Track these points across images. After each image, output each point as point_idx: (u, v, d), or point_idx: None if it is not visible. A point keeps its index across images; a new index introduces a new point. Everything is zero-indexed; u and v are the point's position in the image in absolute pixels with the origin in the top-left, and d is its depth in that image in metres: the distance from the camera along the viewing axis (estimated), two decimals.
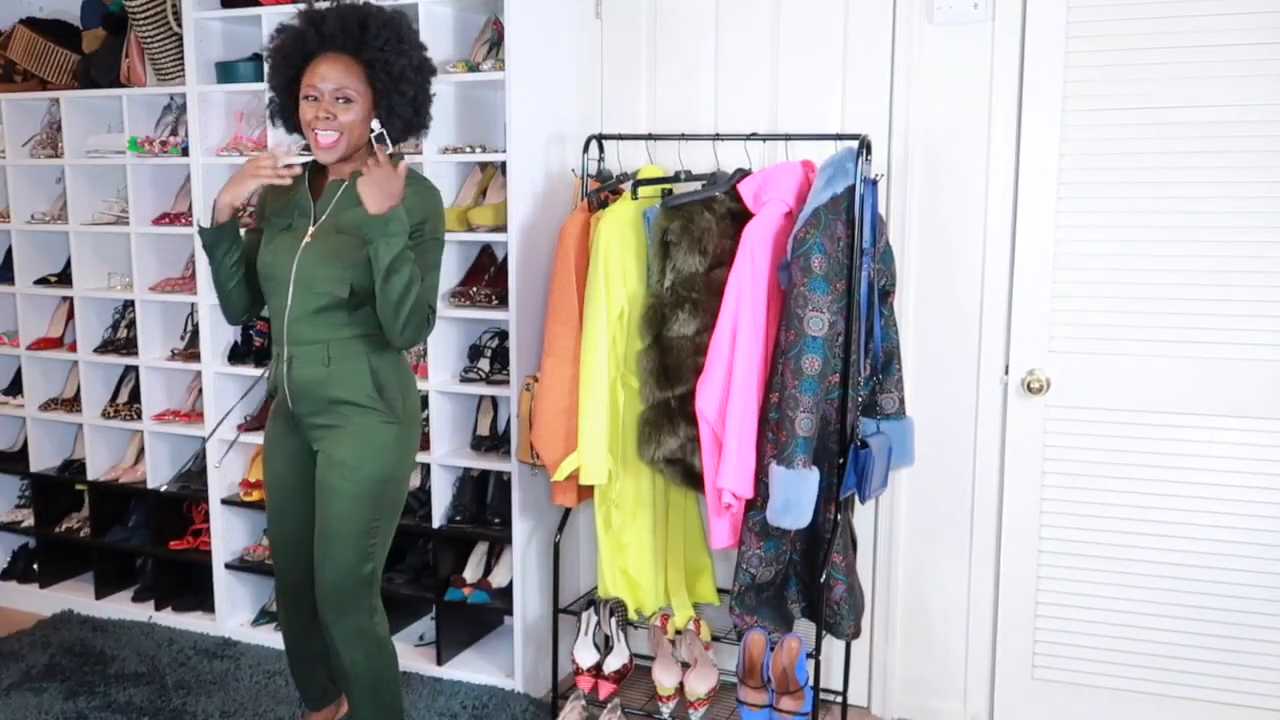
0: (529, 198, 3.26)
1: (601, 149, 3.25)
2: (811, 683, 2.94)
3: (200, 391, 3.87)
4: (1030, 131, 2.96)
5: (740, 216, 2.94)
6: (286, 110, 2.65)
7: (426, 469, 3.56)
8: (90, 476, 4.03)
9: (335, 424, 2.64)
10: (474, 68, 3.30)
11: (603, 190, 3.13)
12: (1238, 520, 2.90)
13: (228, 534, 3.82)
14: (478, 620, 3.70)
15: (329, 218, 2.61)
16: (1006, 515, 3.10)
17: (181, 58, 3.62)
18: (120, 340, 4.01)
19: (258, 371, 3.66)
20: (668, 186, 3.10)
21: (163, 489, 3.90)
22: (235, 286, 2.72)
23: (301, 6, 2.64)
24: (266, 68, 2.66)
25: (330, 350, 2.60)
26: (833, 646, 3.23)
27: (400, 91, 2.56)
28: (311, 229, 2.61)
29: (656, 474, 3.10)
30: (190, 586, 3.97)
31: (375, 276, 2.47)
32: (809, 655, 2.95)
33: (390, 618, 2.77)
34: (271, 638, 3.75)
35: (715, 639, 3.18)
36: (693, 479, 3.01)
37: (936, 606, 3.24)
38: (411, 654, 3.61)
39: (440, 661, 3.54)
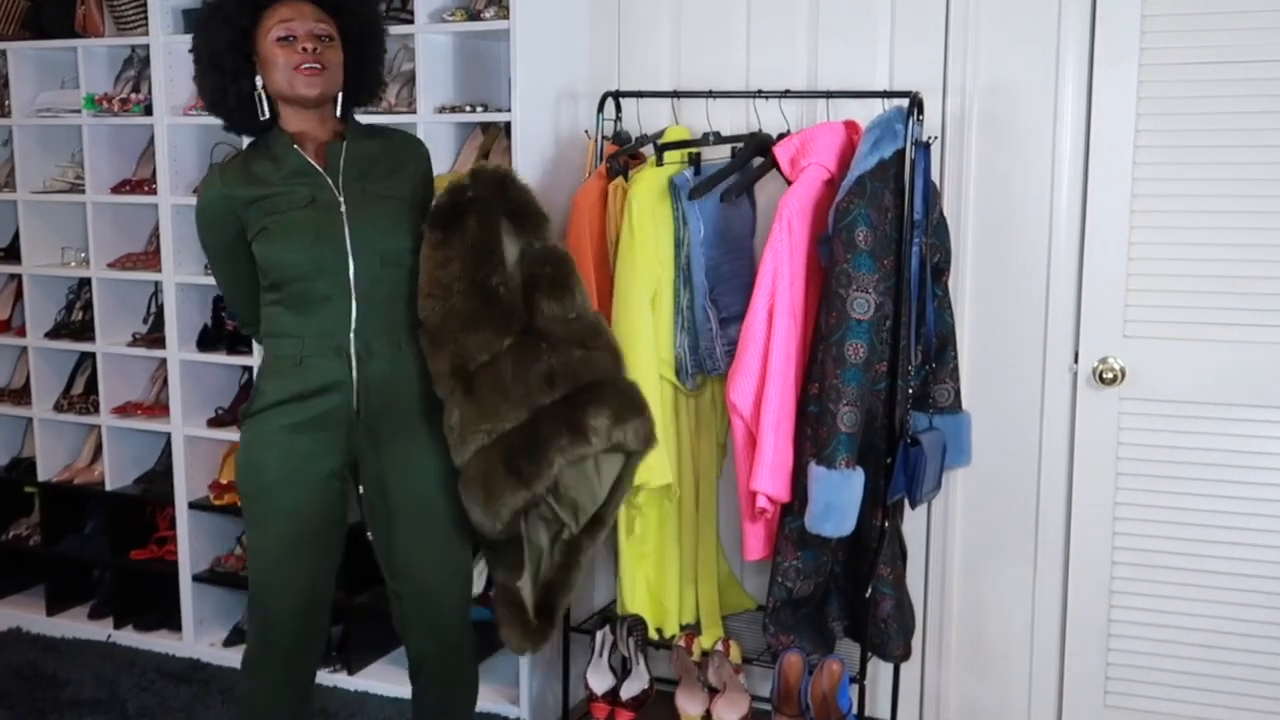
0: (537, 163, 3.28)
1: (619, 107, 3.26)
2: (855, 711, 2.97)
3: (165, 382, 3.86)
4: (1103, 87, 2.97)
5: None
6: (233, 73, 2.46)
7: None
8: (41, 477, 4.07)
9: (405, 429, 2.53)
10: (475, 15, 3.31)
11: (621, 154, 3.13)
12: None
13: (196, 542, 3.83)
14: (481, 639, 3.52)
15: (355, 182, 2.49)
16: (1075, 522, 3.12)
17: (144, 4, 3.63)
18: (75, 323, 4.02)
19: (231, 359, 3.70)
20: (695, 150, 3.10)
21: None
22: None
23: None
24: (202, 30, 2.49)
25: (400, 336, 2.51)
26: (879, 670, 3.25)
27: (373, 37, 2.56)
28: (341, 198, 2.47)
29: (686, 474, 3.12)
30: (154, 601, 3.97)
31: None
32: (852, 680, 2.98)
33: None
34: None
35: (747, 661, 3.17)
36: None
37: (996, 625, 3.27)
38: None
39: None
